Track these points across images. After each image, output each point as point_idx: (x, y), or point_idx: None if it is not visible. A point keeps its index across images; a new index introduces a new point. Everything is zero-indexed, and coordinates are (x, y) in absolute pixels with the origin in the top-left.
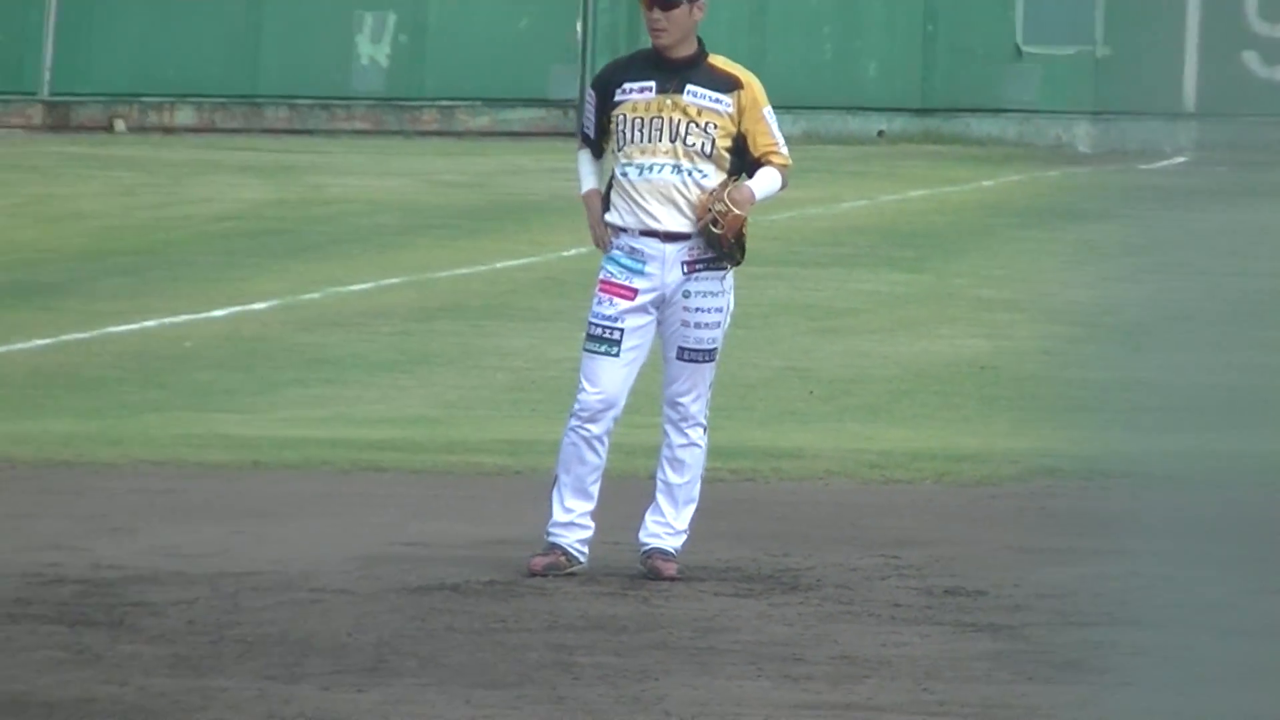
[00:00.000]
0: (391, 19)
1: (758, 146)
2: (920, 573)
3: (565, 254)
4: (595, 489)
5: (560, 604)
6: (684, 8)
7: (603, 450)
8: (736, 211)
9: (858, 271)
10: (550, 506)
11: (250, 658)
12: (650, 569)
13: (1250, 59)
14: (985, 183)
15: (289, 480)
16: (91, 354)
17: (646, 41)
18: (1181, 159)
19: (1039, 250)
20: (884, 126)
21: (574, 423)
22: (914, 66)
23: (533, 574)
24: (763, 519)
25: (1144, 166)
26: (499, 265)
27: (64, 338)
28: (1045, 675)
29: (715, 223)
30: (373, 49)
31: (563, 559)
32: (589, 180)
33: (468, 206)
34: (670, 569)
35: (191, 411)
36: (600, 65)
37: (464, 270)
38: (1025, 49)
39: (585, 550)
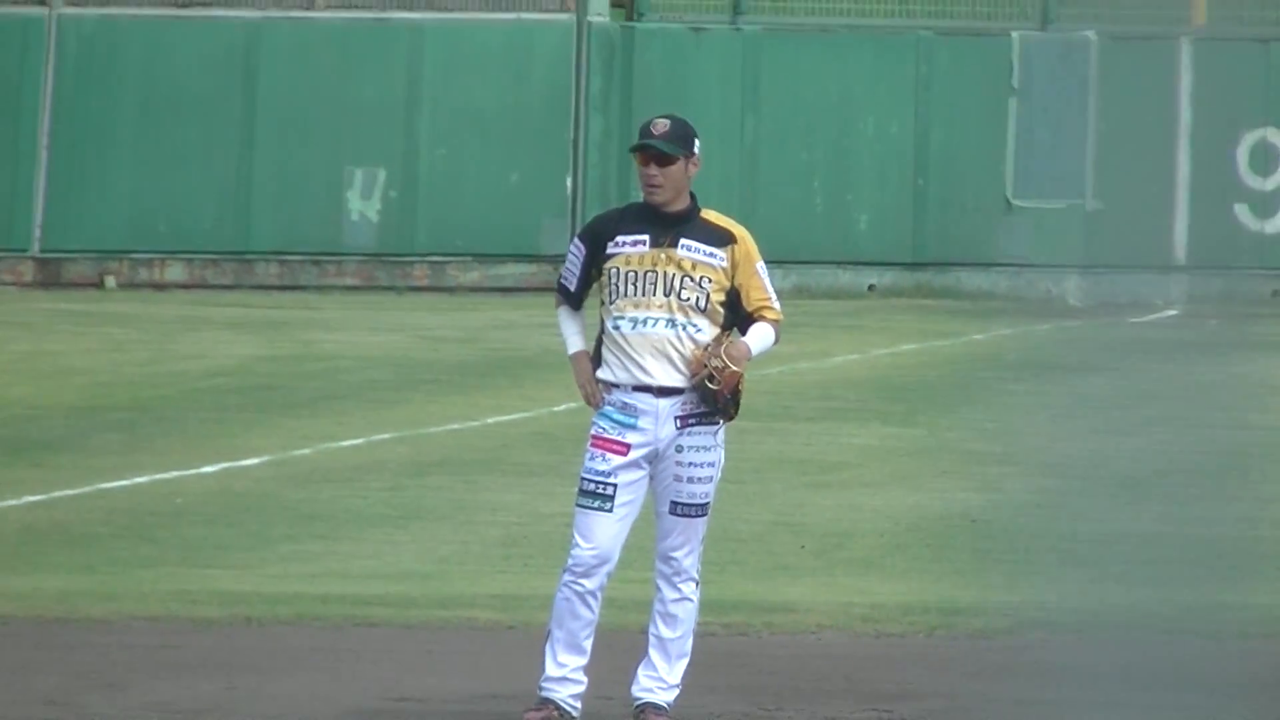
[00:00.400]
0: (382, 175)
1: (751, 301)
2: None
3: (557, 409)
4: (588, 643)
5: None
6: (680, 163)
7: (596, 605)
8: (733, 368)
9: (849, 425)
10: (543, 661)
11: None
12: None
13: (1241, 212)
14: (976, 336)
15: (282, 635)
16: (84, 510)
17: (637, 195)
18: (1172, 312)
19: (1030, 403)
20: (875, 280)
21: (568, 578)
22: (905, 220)
23: None
24: (755, 673)
25: (1135, 319)
26: (491, 420)
27: (56, 494)
28: None
29: (711, 378)
30: (363, 205)
31: (555, 714)
32: (575, 340)
33: (459, 361)
34: None
35: (184, 567)
36: (589, 219)
37: (456, 425)
38: (1016, 203)
39: (578, 705)
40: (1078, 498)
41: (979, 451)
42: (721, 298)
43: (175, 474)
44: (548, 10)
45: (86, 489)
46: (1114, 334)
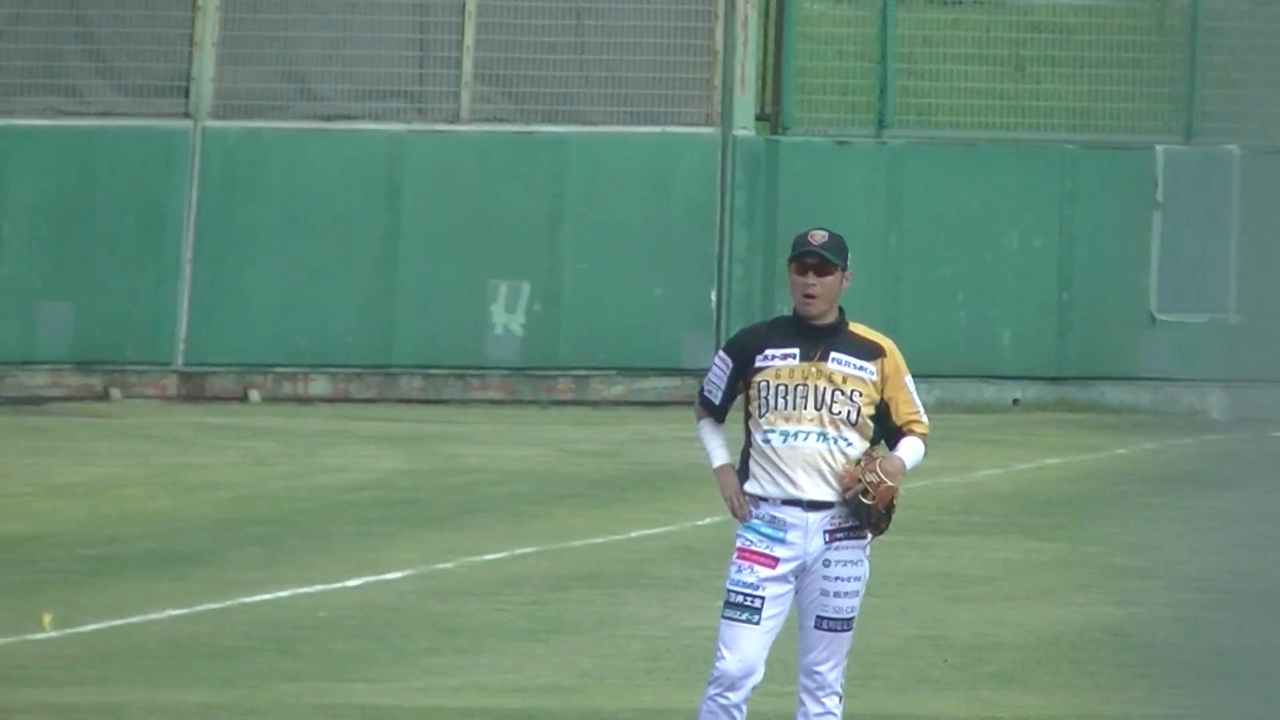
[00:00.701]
0: (526, 288)
1: (900, 415)
2: None
3: (699, 523)
4: None
5: None
6: (836, 274)
7: (741, 718)
8: (889, 483)
9: (992, 539)
10: None
11: None
12: None
13: None
14: (1119, 450)
15: None
16: (226, 624)
17: (782, 309)
18: None
19: (1172, 518)
20: (1019, 395)
21: (713, 690)
22: (1048, 334)
23: None
24: None
25: (1277, 434)
26: (633, 534)
27: (198, 608)
28: None
29: (865, 493)
30: (507, 318)
31: None
32: (720, 452)
33: (602, 475)
34: None
35: (326, 681)
36: (734, 332)
37: (598, 539)
38: (1159, 316)
39: None
40: (1219, 611)
41: (1121, 565)
42: (871, 411)
43: (318, 588)
44: (692, 124)
45: (229, 602)
46: (1257, 448)
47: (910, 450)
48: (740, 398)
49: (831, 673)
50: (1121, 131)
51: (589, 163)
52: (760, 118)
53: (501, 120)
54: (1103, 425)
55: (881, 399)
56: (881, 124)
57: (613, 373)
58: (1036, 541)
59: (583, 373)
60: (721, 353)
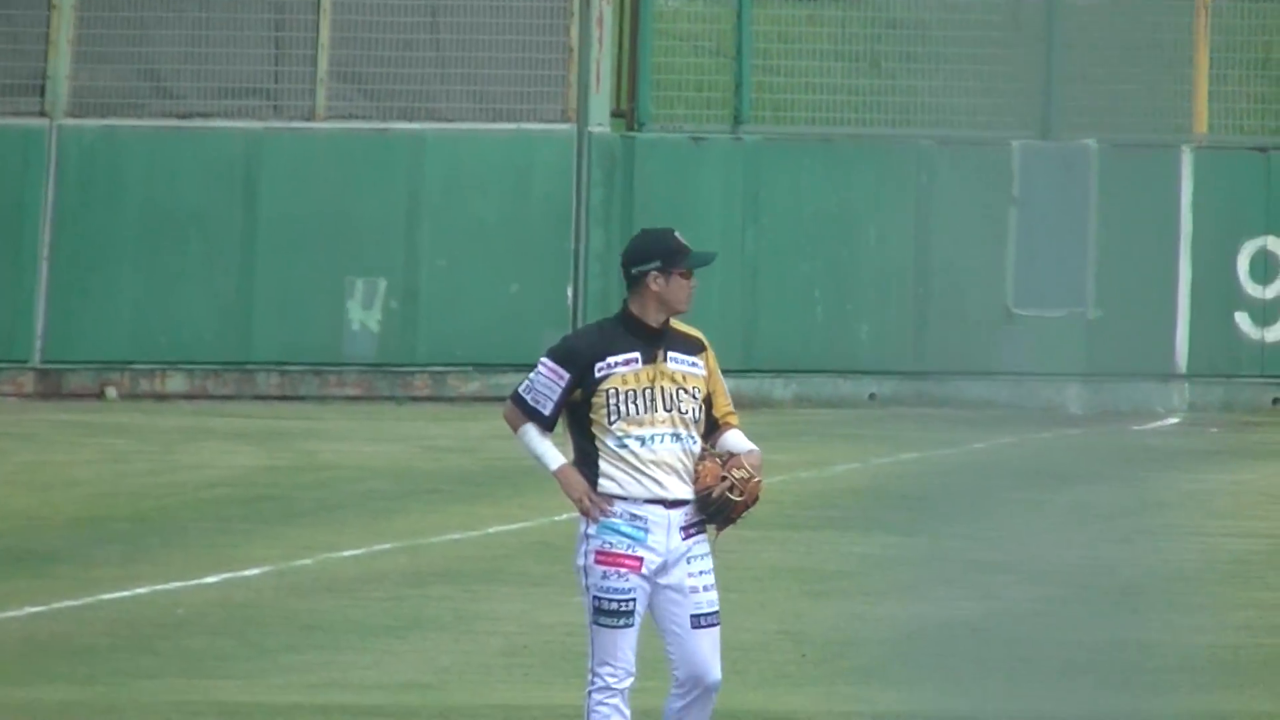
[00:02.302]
0: (383, 285)
1: (719, 407)
2: None
3: (557, 519)
4: None
5: None
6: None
7: (628, 713)
8: (758, 478)
9: (850, 534)
10: None
11: None
12: None
13: (1242, 320)
14: (977, 445)
15: None
16: (84, 621)
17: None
18: (1173, 420)
19: (1031, 512)
20: (876, 389)
21: (602, 696)
22: (906, 330)
23: None
24: None
25: (1136, 428)
26: (491, 530)
27: (57, 605)
28: None
29: (732, 489)
30: (364, 315)
31: None
32: (554, 456)
33: (460, 471)
34: None
35: (185, 678)
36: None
37: (456, 535)
38: (1016, 311)
39: None
40: (1079, 606)
41: (980, 560)
42: (702, 406)
43: (176, 585)
44: (549, 120)
45: (87, 600)
46: (1115, 442)
47: (747, 441)
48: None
49: (719, 669)
50: (978, 127)
51: (446, 160)
52: (616, 114)
53: (358, 118)
54: (960, 420)
55: (707, 393)
56: (738, 120)
57: (470, 369)
58: (895, 536)
59: (440, 369)
60: (550, 363)
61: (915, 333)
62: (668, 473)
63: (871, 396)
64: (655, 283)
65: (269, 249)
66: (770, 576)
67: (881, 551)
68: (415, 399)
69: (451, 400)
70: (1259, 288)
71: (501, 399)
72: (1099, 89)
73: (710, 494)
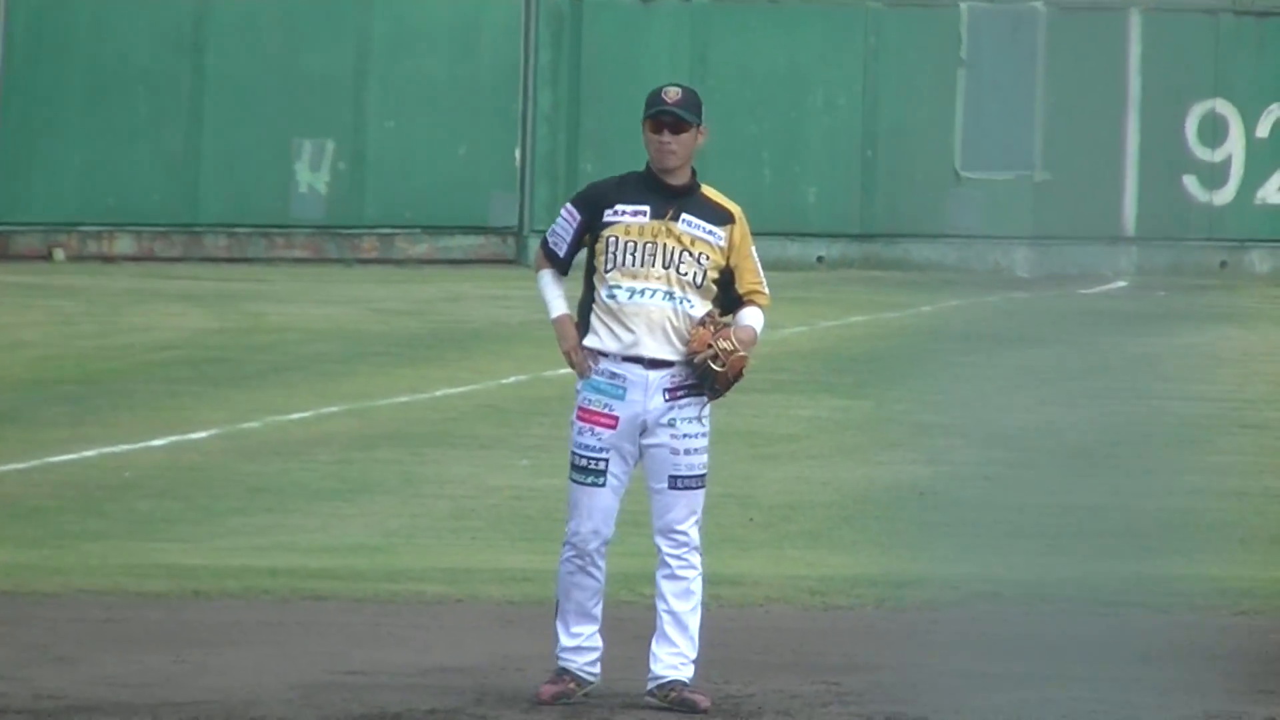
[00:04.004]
0: (330, 146)
1: (744, 284)
2: (861, 699)
3: (505, 381)
4: (598, 610)
5: None
6: (691, 132)
7: (600, 573)
8: (742, 352)
9: (797, 397)
10: (555, 635)
11: None
12: (678, 702)
13: (1190, 183)
14: (925, 308)
15: (230, 609)
16: (31, 483)
17: (584, 169)
18: (1121, 283)
19: (979, 375)
20: (824, 252)
21: (569, 553)
22: (854, 192)
23: (540, 702)
24: (703, 646)
25: (1084, 291)
26: (439, 393)
27: (3, 468)
28: None
29: (715, 358)
30: (312, 177)
31: (572, 685)
32: (559, 303)
33: (408, 334)
34: (705, 701)
35: (132, 541)
36: (539, 191)
37: (404, 398)
38: (964, 174)
39: (596, 670)
40: (1026, 470)
41: (927, 423)
42: (716, 276)
43: (123, 447)
44: None
45: (34, 462)
46: (1063, 305)
47: (756, 320)
48: (585, 252)
49: (693, 529)
50: None
51: (394, 20)
52: None
53: None
54: (908, 283)
55: (727, 265)
56: None
57: (418, 231)
58: (842, 400)
59: (388, 231)
60: (569, 205)
61: (863, 195)
62: (652, 331)
63: (819, 259)
64: (644, 135)
65: (216, 110)
66: (717, 440)
67: (828, 415)
68: (363, 261)
69: (400, 262)
70: (1207, 151)
71: (451, 261)
72: None
73: (694, 359)
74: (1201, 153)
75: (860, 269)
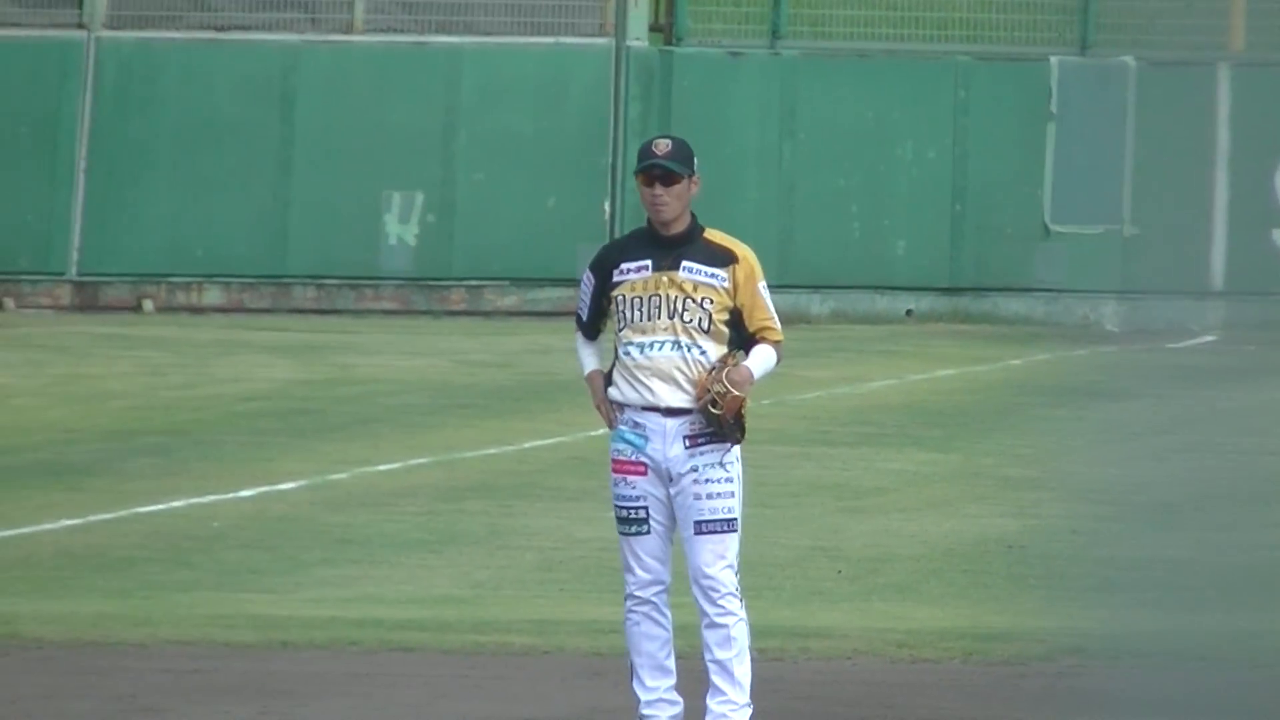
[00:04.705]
0: (420, 198)
1: (753, 322)
2: None
3: (592, 434)
4: (670, 662)
5: None
6: (684, 183)
7: (666, 622)
8: (735, 393)
9: (885, 451)
10: (634, 695)
11: None
12: None
13: (1279, 237)
14: (1013, 361)
15: (317, 660)
16: (119, 534)
17: None
18: (1209, 338)
19: (1066, 429)
20: (912, 306)
21: (629, 604)
22: (942, 246)
23: None
24: (791, 698)
25: (1171, 345)
26: (526, 445)
27: (92, 518)
28: None
29: (714, 403)
30: (401, 229)
31: None
32: (590, 362)
33: (495, 386)
34: None
35: (219, 591)
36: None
37: (492, 450)
38: (1053, 228)
39: None
40: (1113, 523)
41: (1015, 477)
42: (725, 317)
43: (211, 498)
44: (586, 34)
45: (122, 513)
46: (1150, 360)
47: (760, 359)
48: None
49: (722, 573)
50: (1015, 44)
51: (483, 74)
52: (654, 28)
53: (396, 30)
54: (996, 336)
55: (735, 305)
56: (775, 35)
57: (506, 283)
58: (930, 453)
59: (476, 283)
60: (586, 271)
61: (951, 248)
62: (665, 381)
63: (908, 312)
64: (639, 189)
65: (305, 162)
66: (806, 492)
67: (916, 468)
68: (451, 313)
69: (487, 314)
70: None
71: (537, 314)
72: (1138, 4)
73: (698, 404)
74: None
75: (948, 322)
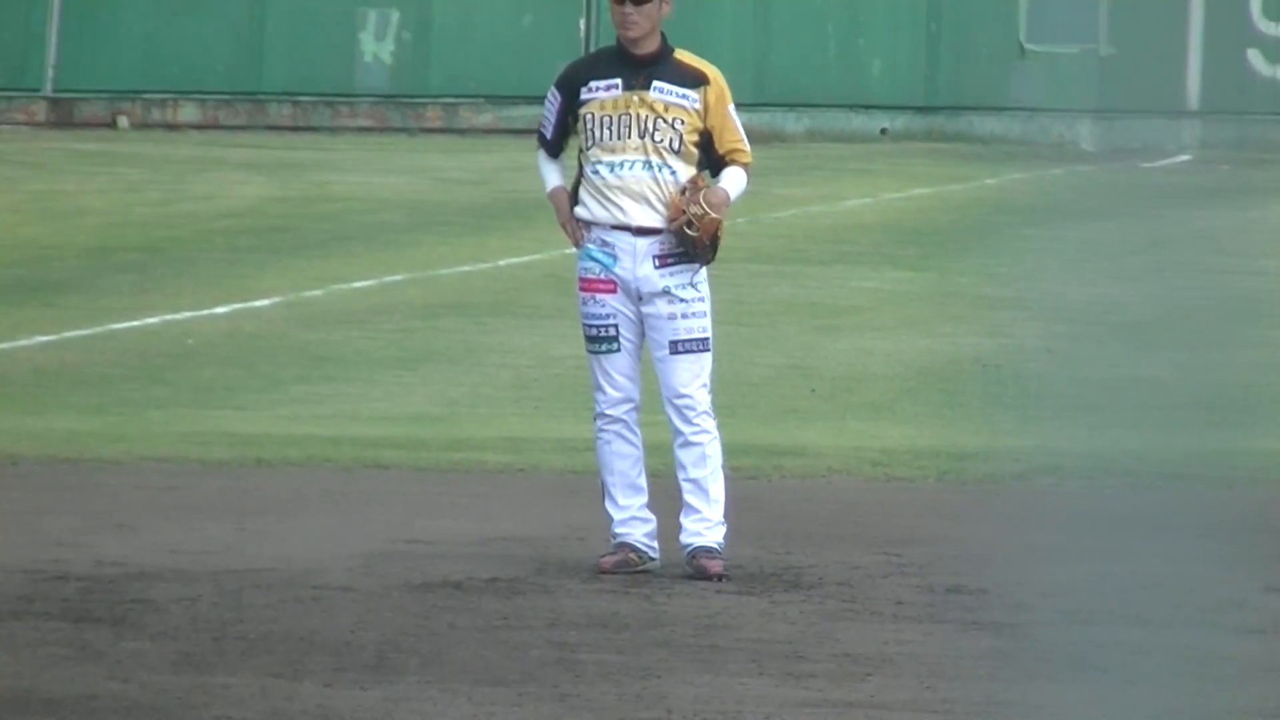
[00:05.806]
0: (395, 16)
1: (723, 144)
2: (923, 571)
3: (568, 251)
4: (642, 480)
5: (563, 601)
6: (654, 3)
7: (636, 439)
8: (713, 215)
9: (861, 270)
10: (607, 513)
11: (253, 655)
12: (696, 569)
13: (1254, 57)
14: (988, 181)
15: (292, 477)
16: (95, 351)
17: None
18: (1185, 157)
19: (1042, 249)
20: (887, 124)
21: (599, 424)
22: (918, 64)
23: (601, 573)
24: (765, 517)
25: (1147, 165)
26: (502, 263)
27: (67, 335)
28: (1048, 673)
29: (690, 224)
30: (376, 46)
31: (633, 555)
32: (553, 179)
33: (471, 204)
34: (717, 566)
35: (194, 409)
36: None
37: (467, 268)
38: (1029, 47)
39: (654, 545)
40: (1088, 343)
41: (990, 296)
42: (695, 139)
43: (187, 315)
44: None
45: (98, 330)
46: (1126, 179)
47: (733, 180)
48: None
49: (698, 392)
50: None
51: None
52: None
53: None
54: (972, 155)
55: (705, 127)
56: None
57: (482, 101)
58: (906, 272)
59: (452, 101)
60: (551, 88)
61: (927, 67)
62: (635, 200)
63: (883, 131)
64: (610, 7)
65: None
66: (781, 311)
67: (891, 287)
68: (427, 130)
69: (463, 132)
70: (1272, 25)
71: (513, 131)
72: None
73: (671, 226)
74: (1265, 26)
75: (923, 141)
